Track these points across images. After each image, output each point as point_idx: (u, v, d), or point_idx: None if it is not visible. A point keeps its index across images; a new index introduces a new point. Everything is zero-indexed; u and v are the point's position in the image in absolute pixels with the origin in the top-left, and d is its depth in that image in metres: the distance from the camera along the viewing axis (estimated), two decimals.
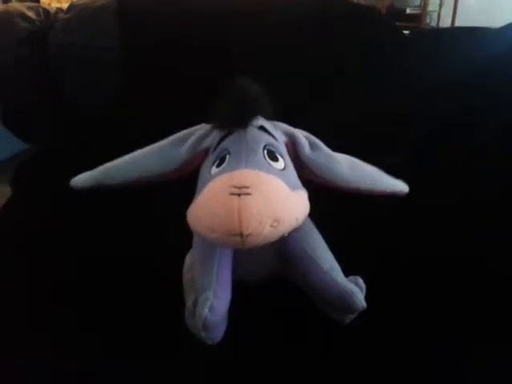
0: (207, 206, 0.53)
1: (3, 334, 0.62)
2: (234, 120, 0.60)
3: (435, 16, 3.45)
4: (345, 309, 0.61)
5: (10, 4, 1.18)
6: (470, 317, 0.64)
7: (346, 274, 0.63)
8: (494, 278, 0.70)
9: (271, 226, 0.50)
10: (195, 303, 0.58)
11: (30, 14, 1.01)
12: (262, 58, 0.90)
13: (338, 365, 0.59)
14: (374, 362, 0.59)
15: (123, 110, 0.95)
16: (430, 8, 3.30)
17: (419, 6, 3.36)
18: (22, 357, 0.59)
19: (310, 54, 0.92)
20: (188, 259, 0.68)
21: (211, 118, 0.64)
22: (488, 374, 0.58)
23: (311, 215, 0.60)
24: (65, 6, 1.11)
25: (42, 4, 1.48)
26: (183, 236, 0.62)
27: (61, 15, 1.03)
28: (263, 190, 0.51)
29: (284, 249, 0.61)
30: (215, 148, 0.60)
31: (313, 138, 0.66)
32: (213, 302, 0.56)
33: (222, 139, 0.60)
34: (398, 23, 1.15)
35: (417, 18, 3.18)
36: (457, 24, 3.11)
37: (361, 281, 0.63)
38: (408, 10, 3.24)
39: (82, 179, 0.68)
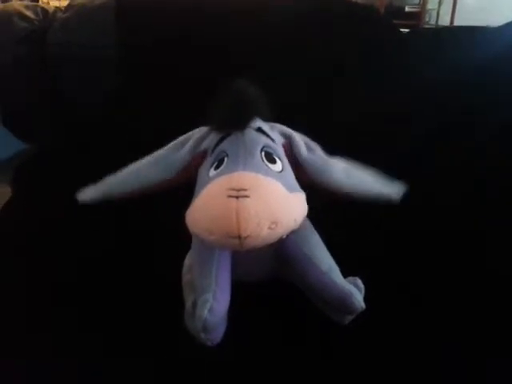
0: (205, 209, 0.53)
1: (4, 335, 0.62)
2: (232, 122, 0.60)
3: (434, 14, 3.44)
4: (344, 310, 0.61)
5: (8, 3, 1.18)
6: (469, 317, 0.64)
7: (345, 274, 0.63)
8: (493, 278, 0.70)
9: (269, 227, 0.51)
10: (194, 304, 0.58)
11: (29, 13, 1.01)
12: (260, 56, 0.90)
13: (337, 365, 0.59)
14: (372, 362, 0.59)
15: (122, 109, 0.95)
16: (429, 6, 3.29)
17: (418, 4, 3.35)
18: (22, 357, 0.59)
19: (308, 53, 0.92)
20: (187, 260, 0.68)
21: (209, 120, 0.64)
22: (488, 374, 0.58)
23: (309, 216, 0.60)
24: (63, 4, 1.11)
25: (40, 3, 1.48)
26: (182, 237, 0.62)
27: (59, 14, 1.03)
28: (261, 193, 0.52)
29: (282, 250, 0.61)
30: (213, 150, 0.60)
31: (309, 141, 0.66)
32: (212, 304, 0.56)
33: (219, 141, 0.60)
34: (396, 21, 1.15)
35: (416, 16, 3.17)
36: (456, 22, 3.11)
37: (359, 282, 0.63)
38: (407, 8, 3.22)
39: (86, 195, 0.68)
